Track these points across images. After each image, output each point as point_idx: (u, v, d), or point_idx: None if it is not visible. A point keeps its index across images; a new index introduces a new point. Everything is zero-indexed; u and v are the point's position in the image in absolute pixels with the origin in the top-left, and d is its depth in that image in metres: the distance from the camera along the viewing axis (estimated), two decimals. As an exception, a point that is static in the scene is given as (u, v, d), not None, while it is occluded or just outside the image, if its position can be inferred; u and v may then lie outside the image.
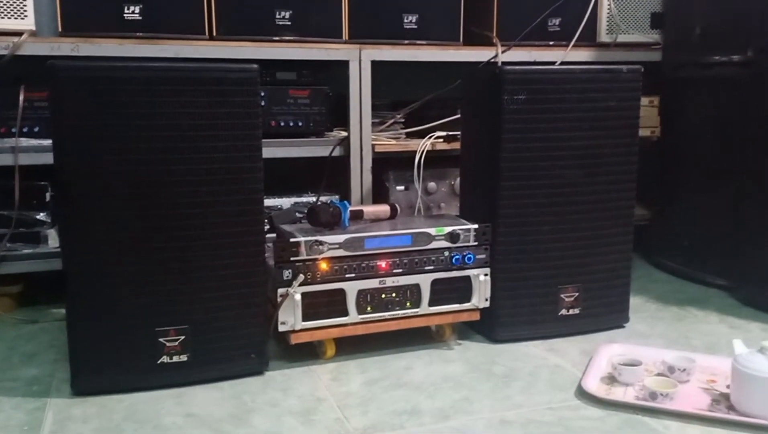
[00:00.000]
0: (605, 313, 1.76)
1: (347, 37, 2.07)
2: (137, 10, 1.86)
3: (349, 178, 2.08)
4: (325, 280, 1.51)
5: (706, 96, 2.17)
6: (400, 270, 1.57)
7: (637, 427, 1.28)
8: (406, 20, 2.12)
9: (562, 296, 1.70)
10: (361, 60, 2.04)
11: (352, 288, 1.53)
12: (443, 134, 2.13)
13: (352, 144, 2.06)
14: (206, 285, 1.42)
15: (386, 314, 1.57)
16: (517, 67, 1.63)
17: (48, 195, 1.83)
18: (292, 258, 1.48)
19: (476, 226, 1.62)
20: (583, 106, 1.66)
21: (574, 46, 2.27)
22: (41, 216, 1.84)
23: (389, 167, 2.14)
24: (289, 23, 2.00)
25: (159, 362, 1.41)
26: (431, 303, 1.60)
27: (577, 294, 1.71)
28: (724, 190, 2.10)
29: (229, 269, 1.43)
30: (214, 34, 1.95)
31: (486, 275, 1.63)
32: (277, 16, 1.99)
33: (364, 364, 1.56)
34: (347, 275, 1.52)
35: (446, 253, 1.60)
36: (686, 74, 2.23)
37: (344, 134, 2.09)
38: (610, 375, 1.47)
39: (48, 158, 1.40)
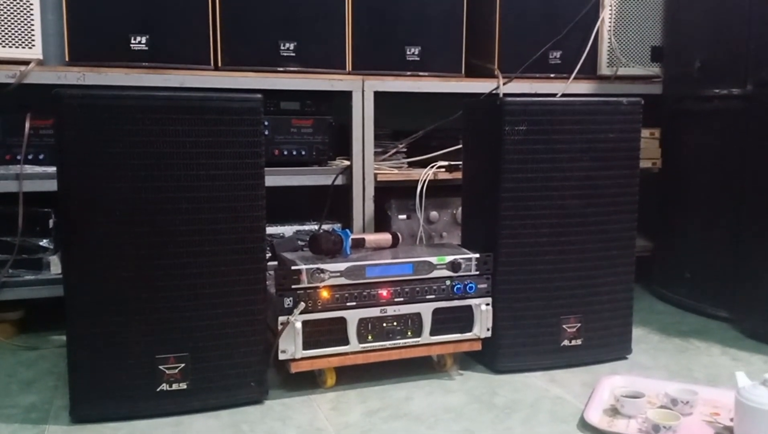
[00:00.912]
0: (607, 344, 1.75)
1: (351, 69, 2.09)
2: (144, 40, 1.89)
3: (351, 206, 2.08)
4: (326, 308, 1.51)
5: (706, 129, 2.18)
6: (402, 299, 1.57)
7: (640, 460, 1.27)
8: (408, 52, 2.15)
9: (563, 326, 1.70)
10: (364, 91, 2.07)
11: (353, 317, 1.53)
12: (445, 163, 2.14)
13: (355, 173, 2.08)
14: (207, 313, 1.42)
15: (387, 344, 1.57)
16: (518, 98, 1.65)
17: (51, 222, 1.84)
18: (293, 286, 1.48)
19: (478, 255, 1.62)
20: (584, 137, 1.67)
21: (575, 78, 2.29)
22: (44, 243, 1.85)
23: (391, 196, 2.15)
24: (294, 54, 2.03)
25: (158, 389, 1.40)
26: (432, 333, 1.60)
27: (579, 325, 1.71)
28: (725, 222, 2.10)
29: (229, 296, 1.43)
30: (219, 64, 1.97)
31: (488, 304, 1.63)
32: (282, 47, 2.02)
33: (364, 394, 1.54)
34: (348, 304, 1.52)
35: (448, 282, 1.60)
36: (686, 107, 2.25)
37: (347, 163, 2.10)
38: (613, 407, 1.46)
39: (52, 185, 1.41)
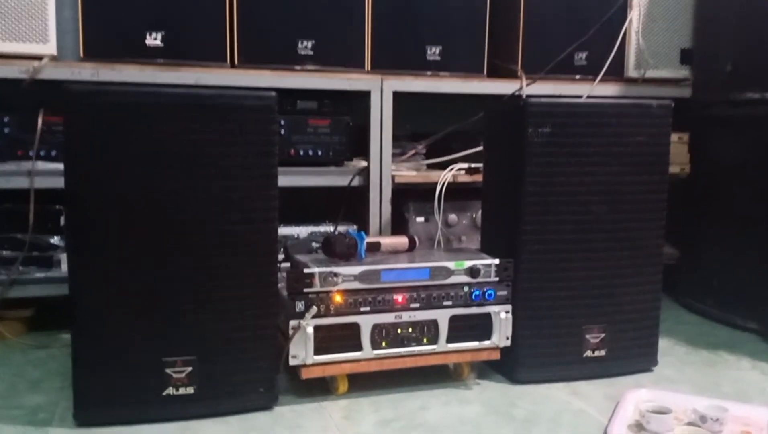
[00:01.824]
0: (632, 356, 1.68)
1: (369, 68, 2.04)
2: (159, 36, 1.86)
3: (367, 208, 2.04)
4: (339, 313, 1.46)
5: (736, 135, 2.10)
6: (417, 305, 1.51)
7: (667, 481, 1.20)
8: (429, 51, 2.10)
9: (587, 336, 1.63)
10: (383, 90, 2.02)
11: (366, 322, 1.47)
12: (465, 165, 2.08)
13: (372, 174, 2.03)
14: (216, 315, 1.37)
15: (402, 351, 1.51)
16: (543, 99, 1.59)
17: (63, 219, 1.81)
18: (305, 289, 1.43)
19: (498, 261, 1.56)
20: (611, 141, 1.61)
21: (601, 80, 2.22)
22: (55, 240, 1.82)
23: (409, 198, 2.10)
24: (312, 53, 1.99)
25: (164, 394, 1.36)
26: (449, 340, 1.54)
27: (603, 335, 1.64)
28: (755, 230, 2.02)
29: (240, 299, 1.38)
30: (236, 62, 1.94)
31: (507, 312, 1.56)
32: (300, 46, 1.98)
33: (377, 402, 1.49)
34: (362, 309, 1.47)
35: (466, 288, 1.54)
36: (716, 112, 2.17)
37: (364, 163, 2.05)
38: (638, 422, 1.39)
39: (64, 182, 1.38)
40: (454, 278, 1.53)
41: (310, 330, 1.42)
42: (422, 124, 2.27)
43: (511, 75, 2.18)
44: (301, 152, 2.01)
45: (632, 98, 1.93)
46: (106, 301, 1.31)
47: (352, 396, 1.51)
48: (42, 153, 1.81)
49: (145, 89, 1.33)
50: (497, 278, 1.56)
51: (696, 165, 2.28)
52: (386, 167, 2.04)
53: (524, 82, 2.12)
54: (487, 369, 1.67)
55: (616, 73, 2.28)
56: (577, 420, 1.43)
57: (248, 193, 1.37)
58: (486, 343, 1.56)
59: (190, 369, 1.36)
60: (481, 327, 1.56)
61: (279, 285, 1.44)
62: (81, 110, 1.27)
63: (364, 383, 1.54)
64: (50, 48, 1.78)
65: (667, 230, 1.69)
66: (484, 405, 1.50)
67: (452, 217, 2.12)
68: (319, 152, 2.02)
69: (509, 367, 1.62)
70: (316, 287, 1.43)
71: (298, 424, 1.38)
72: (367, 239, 1.55)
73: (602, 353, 1.64)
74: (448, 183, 2.03)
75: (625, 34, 2.25)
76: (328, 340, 1.46)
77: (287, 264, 1.61)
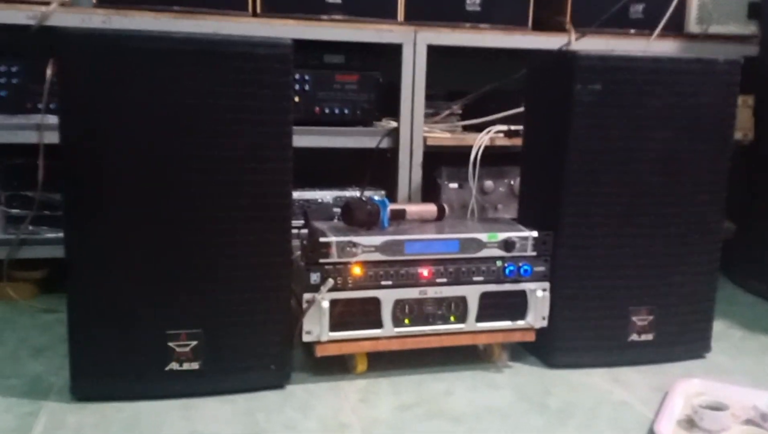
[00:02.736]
0: (683, 341, 1.52)
1: (402, 19, 1.88)
2: (176, -19, 1.72)
3: (396, 173, 1.89)
4: (358, 287, 1.33)
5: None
6: (445, 280, 1.37)
7: (722, 491, 1.05)
8: (468, 1, 1.92)
9: (633, 319, 1.47)
10: (416, 44, 1.85)
11: (388, 297, 1.35)
12: (504, 128, 1.91)
13: (402, 136, 1.88)
14: (224, 286, 1.26)
15: (426, 329, 1.38)
16: (594, 53, 1.41)
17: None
18: (321, 260, 1.30)
19: (536, 234, 1.41)
20: (670, 102, 1.42)
21: (658, 35, 2.02)
22: (65, 199, 1.73)
23: (442, 163, 1.95)
24: (340, 1, 1.83)
25: (167, 369, 1.25)
26: (479, 319, 1.40)
27: (651, 318, 1.48)
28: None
29: (250, 269, 1.27)
30: (258, 10, 1.79)
31: (544, 290, 1.42)
32: (327, -7, 1.82)
33: (397, 384, 1.37)
34: (383, 283, 1.34)
35: (499, 263, 1.39)
36: (787, 72, 1.95)
37: (394, 124, 1.90)
38: (689, 418, 1.24)
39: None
40: (486, 251, 1.38)
41: (325, 304, 1.30)
42: (458, 82, 2.10)
43: (559, 28, 1.99)
44: (327, 110, 1.87)
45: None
46: (103, 265, 1.21)
47: (371, 375, 1.40)
48: (52, 106, 1.70)
49: (146, 33, 1.20)
50: (534, 253, 1.41)
51: (761, 131, 2.07)
52: (417, 128, 1.88)
53: (573, 37, 1.93)
54: (521, 351, 1.53)
55: (676, 28, 2.06)
56: (618, 413, 1.29)
57: (260, 151, 1.24)
58: (520, 323, 1.42)
59: (195, 343, 1.26)
60: (515, 306, 1.42)
61: (297, 254, 1.32)
62: (74, 55, 1.15)
63: (385, 362, 1.42)
64: (59, -7, 1.66)
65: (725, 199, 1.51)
66: (515, 391, 1.36)
67: (488, 184, 1.96)
68: (346, 111, 1.88)
69: (545, 350, 1.48)
70: (333, 258, 1.31)
71: (310, 405, 1.27)
72: (391, 207, 1.41)
73: (649, 337, 1.49)
74: (485, 147, 1.87)
75: (687, -16, 2.03)
76: (345, 316, 1.33)
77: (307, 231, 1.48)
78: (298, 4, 1.81)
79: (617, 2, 1.98)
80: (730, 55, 1.50)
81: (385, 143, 1.89)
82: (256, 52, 1.21)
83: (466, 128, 2.02)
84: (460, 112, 2.06)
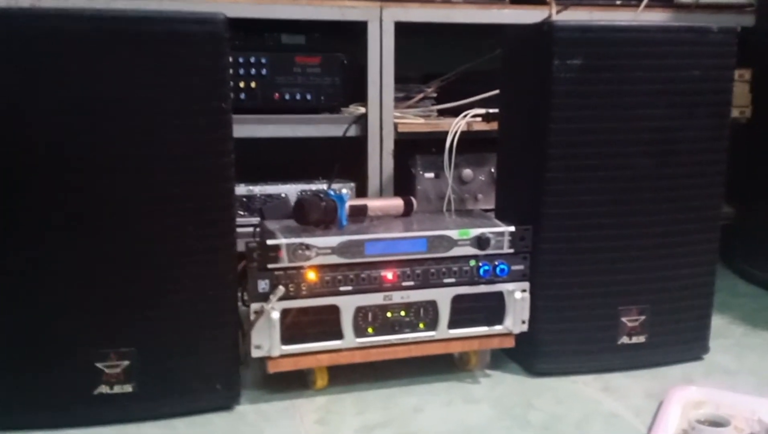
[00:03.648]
0: (678, 342, 1.38)
1: (367, -7, 1.72)
2: (112, -44, 1.56)
3: (366, 163, 1.74)
4: (314, 294, 1.18)
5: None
6: (412, 283, 1.23)
7: None
8: (439, -27, 1.76)
9: (622, 319, 1.33)
10: (382, 21, 1.69)
11: (348, 305, 1.20)
12: (482, 111, 1.76)
13: (370, 123, 1.72)
14: (158, 298, 1.11)
15: (392, 338, 1.24)
16: (573, 23, 1.26)
17: None
18: (270, 265, 1.15)
19: (513, 228, 1.26)
20: (659, 76, 1.27)
21: (646, 6, 1.86)
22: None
23: (416, 151, 1.79)
24: (298, -24, 1.67)
25: (96, 393, 1.11)
26: (451, 325, 1.26)
27: (642, 318, 1.34)
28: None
29: (188, 278, 1.12)
30: (207, -13, 1.63)
31: (524, 291, 1.27)
32: (284, -32, 1.66)
33: (362, 400, 1.23)
34: (342, 289, 1.19)
35: (472, 262, 1.25)
36: (786, 43, 1.80)
37: (362, 110, 1.75)
38: (685, 432, 1.10)
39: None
40: (457, 249, 1.24)
41: (275, 314, 1.15)
42: (432, 63, 1.95)
43: (539, 1, 1.83)
44: (287, 96, 1.71)
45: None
46: (14, 280, 1.06)
47: (333, 391, 1.25)
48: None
49: (53, 12, 1.04)
50: (512, 250, 1.26)
51: (760, 108, 1.92)
52: (387, 113, 1.73)
53: (554, 9, 1.76)
54: (501, 356, 1.39)
55: (666, -3, 1.91)
56: (609, 427, 1.15)
57: (194, 146, 1.09)
58: (497, 328, 1.28)
59: (127, 363, 1.11)
60: (492, 309, 1.28)
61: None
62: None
63: (349, 375, 1.28)
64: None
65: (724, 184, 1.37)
66: (495, 405, 1.22)
67: (467, 172, 1.81)
68: (309, 96, 1.72)
69: (527, 356, 1.34)
70: (284, 263, 1.16)
71: (262, 430, 1.13)
72: (350, 202, 1.26)
73: (641, 339, 1.35)
74: (462, 132, 1.72)
75: (676, -51, 1.87)
76: (299, 326, 1.19)
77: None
78: (251, -20, 1.65)
79: (602, -29, 1.82)
80: (724, 24, 1.35)
81: (352, 131, 1.74)
82: (184, 30, 1.05)
83: (441, 113, 1.86)
84: (434, 95, 1.90)
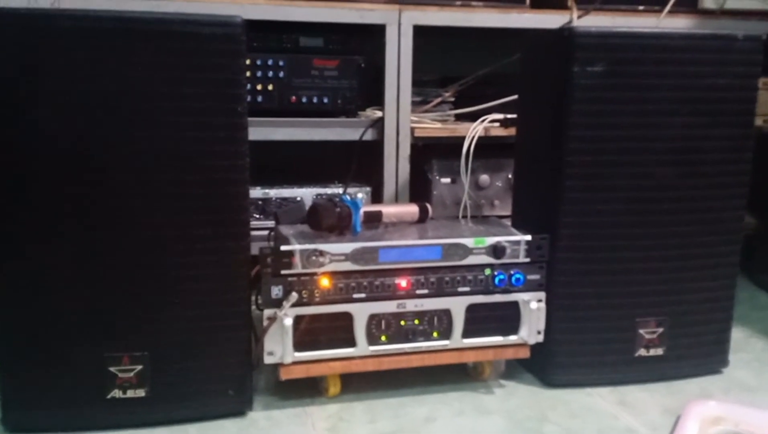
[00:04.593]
0: (697, 355, 1.36)
1: (386, -4, 1.71)
2: (131, -42, 1.56)
3: (382, 167, 1.73)
4: (327, 301, 1.17)
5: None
6: (426, 291, 1.21)
7: None
8: (459, -24, 1.74)
9: (640, 331, 1.31)
10: (400, 24, 1.68)
11: (361, 312, 1.19)
12: (500, 116, 1.74)
13: (387, 126, 1.71)
14: (171, 302, 1.10)
15: (406, 347, 1.22)
16: (594, 29, 1.24)
17: None
18: (283, 271, 1.14)
19: (529, 237, 1.24)
20: (682, 84, 1.25)
21: (669, 12, 1.83)
22: None
23: (433, 155, 1.78)
24: (317, -21, 1.66)
25: (109, 397, 1.11)
26: (465, 334, 1.24)
27: (661, 330, 1.31)
28: None
29: (201, 281, 1.11)
30: (226, -12, 1.63)
31: (540, 301, 1.25)
32: (303, -30, 1.65)
33: (373, 409, 1.21)
34: (355, 296, 1.18)
35: (487, 271, 1.23)
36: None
37: (379, 114, 1.74)
38: (704, 450, 1.08)
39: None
40: (472, 258, 1.22)
41: (288, 321, 1.14)
42: (451, 67, 1.93)
43: (560, 5, 1.81)
44: (304, 99, 1.70)
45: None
46: (32, 280, 1.06)
47: (345, 399, 1.24)
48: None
49: (73, 12, 1.03)
50: (528, 259, 1.24)
51: (784, 116, 1.89)
52: (404, 117, 1.72)
53: (575, 14, 1.74)
54: (515, 367, 1.37)
55: (689, 3, 1.88)
56: (624, 442, 1.13)
57: (209, 148, 1.08)
58: (512, 339, 1.26)
59: (140, 367, 1.11)
60: (507, 319, 1.26)
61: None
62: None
63: (361, 383, 1.27)
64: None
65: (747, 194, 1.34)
66: (508, 417, 1.20)
67: (484, 178, 1.79)
68: (326, 100, 1.71)
69: (542, 367, 1.32)
70: (297, 269, 1.15)
71: (272, 437, 1.12)
72: (365, 208, 1.25)
73: (659, 351, 1.32)
74: (480, 137, 1.71)
75: (701, -46, 1.84)
76: (312, 333, 1.18)
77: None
78: (270, -18, 1.64)
79: (624, -24, 1.79)
80: (750, 32, 1.32)
81: (369, 135, 1.72)
82: (202, 32, 1.05)
83: (458, 117, 1.85)
84: (452, 99, 1.89)
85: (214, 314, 1.13)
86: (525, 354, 1.28)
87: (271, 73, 1.66)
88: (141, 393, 1.12)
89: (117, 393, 1.11)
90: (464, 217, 1.72)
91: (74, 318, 1.08)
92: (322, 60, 1.70)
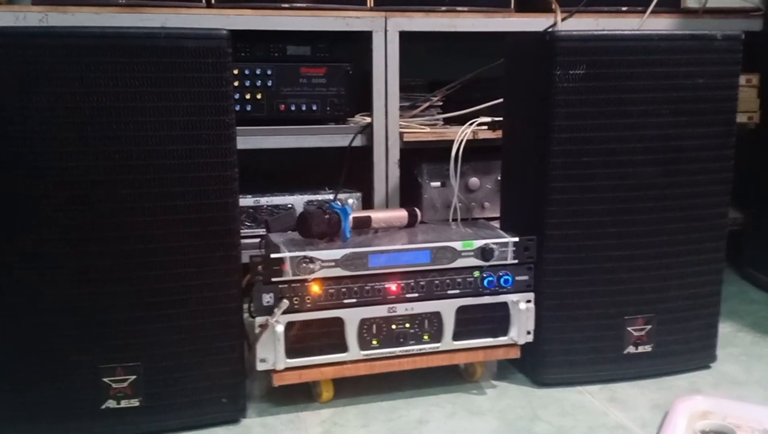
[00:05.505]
0: (685, 351, 1.38)
1: (372, 4, 1.72)
2: (119, -28, 1.57)
3: (372, 172, 1.74)
4: (318, 307, 1.19)
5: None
6: (416, 295, 1.23)
7: None
8: (443, -18, 1.76)
9: (628, 328, 1.33)
10: (387, 31, 1.70)
11: (352, 317, 1.20)
12: (488, 120, 1.76)
13: (376, 132, 1.72)
14: (163, 312, 1.12)
15: (397, 350, 1.24)
16: (575, 32, 1.26)
17: None
18: (274, 279, 1.16)
19: (516, 239, 1.26)
20: (663, 84, 1.27)
21: (652, 12, 1.85)
22: None
23: (422, 160, 1.80)
24: (302, -13, 1.68)
25: (103, 407, 1.12)
26: (456, 337, 1.26)
27: (648, 327, 1.33)
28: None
29: (192, 292, 1.13)
30: (212, 0, 1.64)
31: (529, 301, 1.27)
32: (289, -21, 1.67)
33: (366, 412, 1.23)
34: (346, 301, 1.20)
35: (476, 273, 1.25)
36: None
37: (367, 120, 1.75)
38: (692, 444, 1.10)
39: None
40: (461, 261, 1.24)
41: (279, 328, 1.15)
42: (438, 71, 1.95)
43: (545, 8, 1.82)
44: (293, 107, 1.71)
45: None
46: (21, 294, 1.07)
47: (338, 403, 1.26)
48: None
49: (59, 30, 1.05)
50: (516, 261, 1.26)
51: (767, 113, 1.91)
52: (393, 122, 1.73)
53: (559, 17, 1.76)
54: (507, 367, 1.39)
55: (671, 3, 1.90)
56: (614, 438, 1.15)
57: (197, 160, 1.10)
58: (502, 339, 1.28)
59: (133, 377, 1.12)
60: (497, 320, 1.28)
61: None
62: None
63: (353, 387, 1.28)
64: (-9, -10, 1.52)
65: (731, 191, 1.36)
66: (500, 416, 1.22)
67: (473, 180, 1.81)
68: (314, 107, 1.73)
69: (533, 366, 1.33)
70: (288, 276, 1.16)
71: (267, 442, 1.14)
72: (354, 214, 1.27)
73: (647, 348, 1.34)
74: (468, 140, 1.72)
75: (682, -46, 1.86)
76: (304, 339, 1.19)
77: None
78: (256, -8, 1.66)
79: (607, -23, 1.82)
80: (732, 30, 1.34)
81: (358, 141, 1.74)
82: (186, 46, 1.06)
83: (447, 121, 1.87)
84: (440, 104, 1.90)
85: (207, 324, 1.14)
86: (515, 354, 1.30)
87: (259, 82, 1.67)
88: (135, 402, 1.13)
89: (111, 404, 1.12)
90: (454, 220, 1.73)
91: (67, 330, 1.09)
92: (309, 68, 1.72)
